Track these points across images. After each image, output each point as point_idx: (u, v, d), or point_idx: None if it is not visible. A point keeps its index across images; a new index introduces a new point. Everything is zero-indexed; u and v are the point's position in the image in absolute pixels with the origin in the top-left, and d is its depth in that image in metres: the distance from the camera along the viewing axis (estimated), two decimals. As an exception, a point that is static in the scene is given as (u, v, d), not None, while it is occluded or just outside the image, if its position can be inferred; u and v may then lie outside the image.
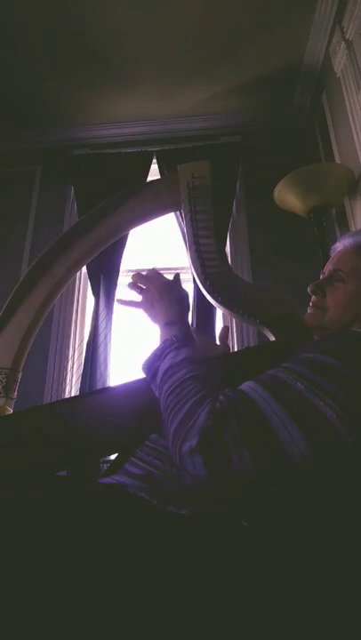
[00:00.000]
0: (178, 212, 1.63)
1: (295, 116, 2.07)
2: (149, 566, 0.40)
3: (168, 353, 0.59)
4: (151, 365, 0.60)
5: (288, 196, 1.65)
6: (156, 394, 0.57)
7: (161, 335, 0.66)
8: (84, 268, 1.89)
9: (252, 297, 0.79)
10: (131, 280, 0.75)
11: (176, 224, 1.83)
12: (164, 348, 0.61)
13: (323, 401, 0.43)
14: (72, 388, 1.69)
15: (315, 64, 1.86)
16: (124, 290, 1.92)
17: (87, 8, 1.61)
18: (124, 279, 1.93)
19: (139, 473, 0.57)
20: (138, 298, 0.74)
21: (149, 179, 2.04)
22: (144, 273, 0.74)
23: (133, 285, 0.75)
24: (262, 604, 0.40)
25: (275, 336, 0.75)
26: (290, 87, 1.96)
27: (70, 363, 1.74)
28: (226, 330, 0.88)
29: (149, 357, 0.62)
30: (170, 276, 0.76)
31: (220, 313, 1.76)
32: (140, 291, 0.73)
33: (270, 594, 0.41)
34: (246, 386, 0.48)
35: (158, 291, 0.70)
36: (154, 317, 0.70)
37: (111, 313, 1.77)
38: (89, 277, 1.86)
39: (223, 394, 0.47)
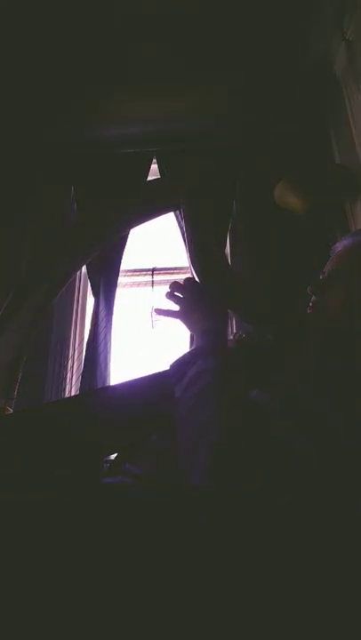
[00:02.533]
0: (178, 212, 1.64)
1: (295, 115, 2.07)
2: (149, 567, 0.40)
3: (197, 361, 0.60)
4: (180, 368, 0.62)
5: (288, 196, 1.65)
6: (177, 394, 0.58)
7: (195, 342, 0.67)
8: (83, 268, 1.88)
9: (251, 296, 0.79)
10: (168, 289, 0.76)
11: (176, 224, 1.82)
12: (195, 354, 0.62)
13: (325, 405, 0.43)
14: (72, 387, 1.69)
15: (314, 64, 1.86)
16: (123, 290, 1.93)
17: (86, 6, 1.61)
18: (123, 279, 1.93)
19: (139, 473, 0.57)
20: (173, 307, 0.75)
21: (149, 178, 2.04)
22: (181, 282, 0.75)
23: (171, 295, 0.75)
24: (261, 604, 0.40)
25: (273, 334, 0.75)
26: (290, 87, 1.96)
27: (70, 362, 1.74)
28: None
29: (179, 360, 0.63)
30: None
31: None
32: (177, 300, 0.74)
33: (269, 593, 0.41)
34: (254, 395, 0.49)
35: (195, 300, 0.71)
36: (190, 326, 0.71)
37: (111, 313, 1.77)
38: (89, 277, 1.86)
39: (236, 409, 0.48)
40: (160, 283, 1.95)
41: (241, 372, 0.63)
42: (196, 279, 0.82)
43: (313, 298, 0.70)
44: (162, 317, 0.76)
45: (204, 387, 0.53)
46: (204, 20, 1.67)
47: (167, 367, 0.63)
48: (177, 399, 0.56)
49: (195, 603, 0.38)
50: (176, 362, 0.62)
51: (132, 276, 1.99)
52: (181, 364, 0.61)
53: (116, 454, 0.66)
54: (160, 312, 0.76)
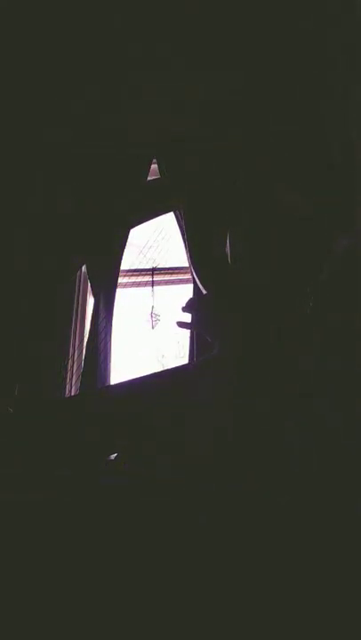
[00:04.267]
0: (178, 212, 1.63)
1: (295, 115, 2.07)
2: (149, 566, 0.40)
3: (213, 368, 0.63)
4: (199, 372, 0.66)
5: (288, 196, 1.65)
6: (194, 395, 0.59)
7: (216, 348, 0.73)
8: (83, 268, 1.88)
9: (249, 295, 0.80)
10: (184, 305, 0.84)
11: (176, 224, 1.82)
12: (211, 362, 0.66)
13: (325, 405, 0.43)
14: (72, 387, 1.69)
15: (314, 63, 1.86)
16: (123, 290, 1.93)
17: (86, 6, 1.62)
18: (123, 279, 1.93)
19: (139, 473, 0.57)
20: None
21: (149, 178, 2.04)
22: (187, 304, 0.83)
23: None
24: (261, 603, 0.40)
25: (274, 334, 0.75)
26: (290, 87, 1.96)
27: (70, 362, 1.74)
28: None
29: (200, 364, 0.66)
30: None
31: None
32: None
33: (269, 592, 0.41)
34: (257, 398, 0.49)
35: (203, 315, 0.77)
36: (210, 336, 0.77)
37: (111, 313, 1.77)
38: (89, 277, 1.86)
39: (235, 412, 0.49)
40: (160, 283, 1.95)
41: (246, 377, 0.64)
42: (197, 279, 0.83)
43: (313, 298, 0.71)
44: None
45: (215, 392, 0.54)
46: (204, 20, 1.67)
47: (186, 366, 0.65)
48: (194, 399, 0.57)
49: (194, 601, 0.38)
50: (197, 365, 0.64)
51: (132, 276, 1.99)
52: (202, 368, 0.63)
53: (116, 454, 0.66)
54: (182, 325, 0.83)
